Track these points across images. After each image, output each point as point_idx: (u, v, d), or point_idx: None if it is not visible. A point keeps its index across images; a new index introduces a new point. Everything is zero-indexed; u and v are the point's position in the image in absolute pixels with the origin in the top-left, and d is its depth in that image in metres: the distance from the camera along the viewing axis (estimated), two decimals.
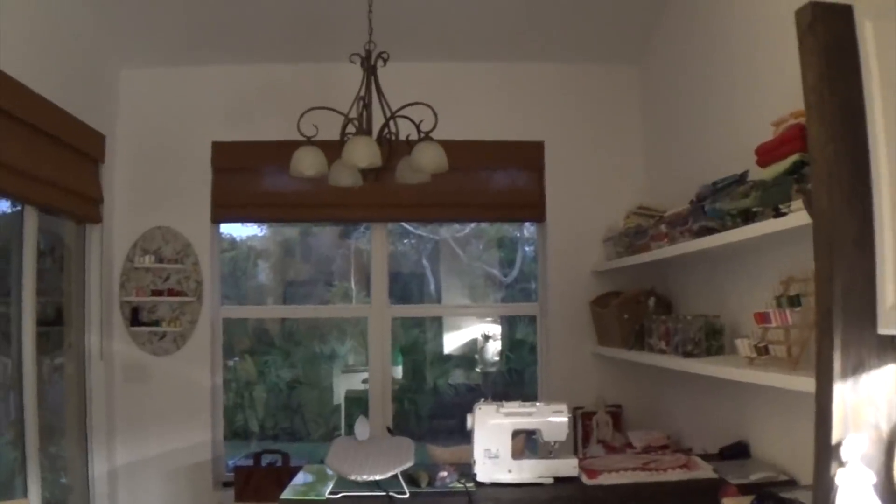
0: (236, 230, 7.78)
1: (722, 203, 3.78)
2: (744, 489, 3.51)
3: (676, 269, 5.26)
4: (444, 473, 3.83)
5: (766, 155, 3.44)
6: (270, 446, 5.91)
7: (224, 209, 6.06)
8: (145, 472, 5.83)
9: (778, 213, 3.14)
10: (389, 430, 5.29)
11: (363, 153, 3.96)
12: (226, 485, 5.88)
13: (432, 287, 8.07)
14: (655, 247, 4.77)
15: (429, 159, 4.13)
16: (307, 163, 4.17)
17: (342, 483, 3.76)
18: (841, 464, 2.38)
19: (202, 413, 5.91)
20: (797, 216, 2.95)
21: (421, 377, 8.26)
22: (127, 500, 5.81)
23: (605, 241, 5.81)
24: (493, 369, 8.17)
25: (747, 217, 3.52)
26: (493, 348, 8.09)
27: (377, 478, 3.62)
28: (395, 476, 3.69)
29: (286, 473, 4.69)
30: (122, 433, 5.82)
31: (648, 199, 5.60)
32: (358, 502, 3.65)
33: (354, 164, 4.03)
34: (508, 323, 7.85)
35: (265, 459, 5.78)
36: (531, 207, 6.12)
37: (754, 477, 3.69)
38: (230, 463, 5.90)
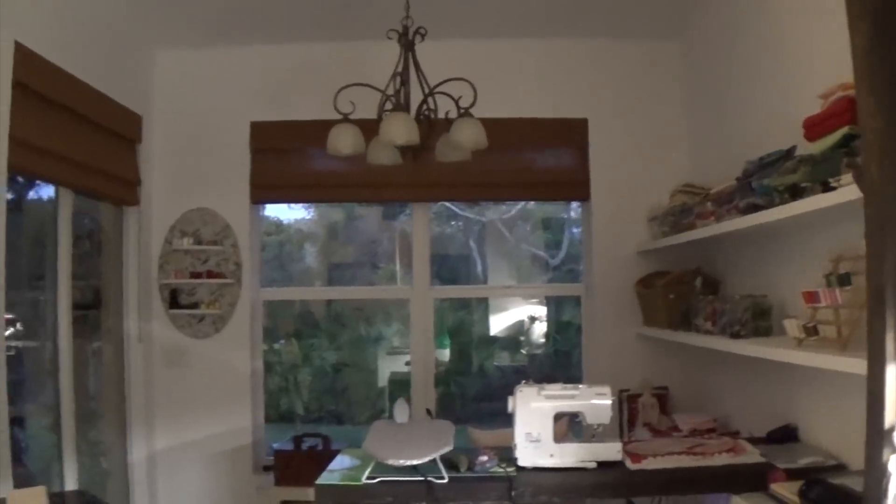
0: (283, 213, 7.84)
1: (769, 179, 3.64)
2: (792, 474, 3.42)
3: (723, 249, 5.14)
4: (485, 458, 3.75)
5: (814, 128, 3.30)
6: (314, 430, 5.80)
7: (263, 190, 6.01)
8: (184, 456, 5.83)
9: (827, 188, 3.01)
10: (429, 413, 5.21)
11: (400, 130, 3.86)
12: (266, 469, 5.86)
13: (479, 269, 8.04)
14: (701, 225, 4.63)
15: (468, 136, 4.03)
16: (344, 141, 4.09)
17: (380, 468, 3.70)
18: (894, 450, 2.27)
19: (242, 397, 5.90)
20: (847, 191, 2.82)
21: (467, 359, 8.20)
22: (166, 485, 5.81)
23: (651, 221, 5.70)
24: (538, 351, 8.14)
25: (795, 193, 3.37)
26: (539, 330, 8.04)
27: (414, 462, 3.55)
28: (434, 460, 3.62)
29: (327, 457, 4.61)
30: (161, 417, 5.83)
31: (693, 177, 5.48)
32: (396, 487, 3.60)
33: (391, 141, 3.93)
34: (555, 304, 7.78)
35: (306, 443, 5.73)
36: (575, 186, 6.01)
37: (803, 462, 3.57)
38: (273, 446, 5.85)
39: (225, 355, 5.86)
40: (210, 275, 5.85)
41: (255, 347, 6.03)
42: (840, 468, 3.50)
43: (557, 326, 7.84)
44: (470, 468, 3.73)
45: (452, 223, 8.05)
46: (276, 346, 7.77)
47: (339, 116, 4.07)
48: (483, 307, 8.20)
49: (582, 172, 6.00)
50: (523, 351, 8.17)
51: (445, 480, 3.58)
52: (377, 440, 3.81)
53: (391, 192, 6.04)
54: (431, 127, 4.25)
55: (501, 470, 3.70)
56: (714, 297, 4.65)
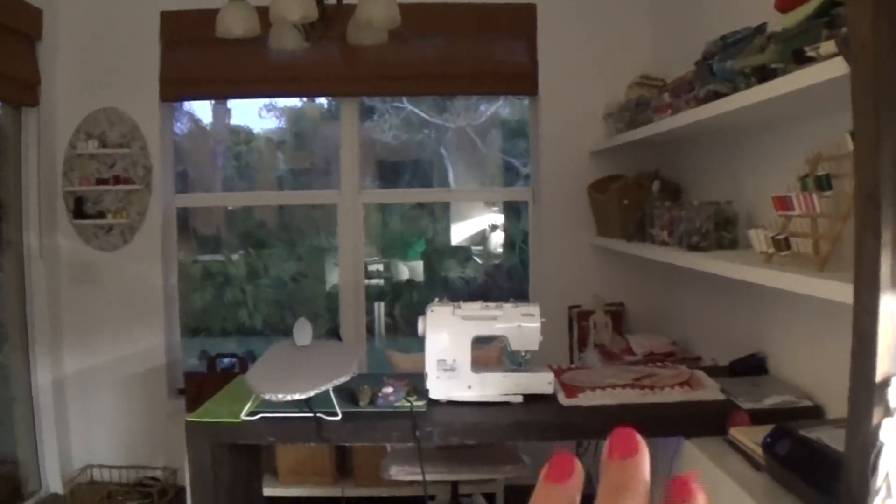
0: (254, 122, 7.60)
1: (732, 61, 3.02)
2: (757, 416, 2.89)
3: (685, 149, 4.63)
4: (389, 389, 3.17)
5: None
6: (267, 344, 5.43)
7: (174, 86, 5.44)
8: (95, 380, 5.44)
9: (802, 60, 2.34)
10: (338, 336, 4.65)
11: (293, 4, 3.31)
12: (181, 392, 5.46)
13: (450, 177, 7.63)
14: (657, 120, 4.03)
15: (375, 11, 3.51)
16: (234, 20, 3.61)
17: (266, 401, 3.07)
18: (888, 411, 1.68)
19: (155, 314, 5.48)
20: (829, 66, 2.15)
21: (430, 270, 7.95)
22: (76, 412, 5.44)
23: (606, 118, 5.14)
24: (498, 262, 7.88)
25: (765, 76, 2.73)
26: (499, 239, 7.76)
27: (296, 397, 2.92)
28: (327, 392, 3.00)
29: None
30: (69, 339, 5.43)
31: (654, 68, 4.94)
32: (279, 425, 3.06)
33: (284, 17, 3.38)
34: (525, 213, 7.25)
35: (220, 364, 5.34)
36: (522, 79, 5.40)
37: (769, 401, 3.04)
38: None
39: (135, 269, 5.42)
40: (117, 180, 5.35)
41: (169, 259, 5.57)
42: (814, 412, 3.01)
43: (524, 236, 7.37)
44: (372, 401, 3.17)
45: (424, 131, 7.66)
46: (235, 257, 7.52)
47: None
48: (446, 216, 7.91)
49: (529, 64, 5.39)
50: (479, 260, 7.90)
51: (338, 417, 3.00)
52: (264, 369, 3.21)
53: (313, 85, 5.58)
54: (340, 3, 3.70)
55: (408, 404, 3.13)
56: (672, 203, 4.09)
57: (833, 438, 2.24)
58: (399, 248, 7.77)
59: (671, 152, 4.81)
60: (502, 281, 7.64)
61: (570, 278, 5.34)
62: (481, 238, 7.80)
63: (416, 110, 7.30)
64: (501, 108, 7.27)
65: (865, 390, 1.74)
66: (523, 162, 7.19)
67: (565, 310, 5.20)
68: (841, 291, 2.08)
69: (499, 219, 7.62)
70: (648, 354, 4.39)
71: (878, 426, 1.70)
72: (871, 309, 1.72)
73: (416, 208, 7.73)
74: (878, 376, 1.71)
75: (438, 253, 7.93)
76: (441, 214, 7.91)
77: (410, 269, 7.74)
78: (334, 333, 5.68)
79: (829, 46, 2.14)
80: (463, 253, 7.91)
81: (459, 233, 7.86)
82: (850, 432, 1.82)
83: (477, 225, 7.82)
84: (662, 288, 5.08)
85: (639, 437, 0.53)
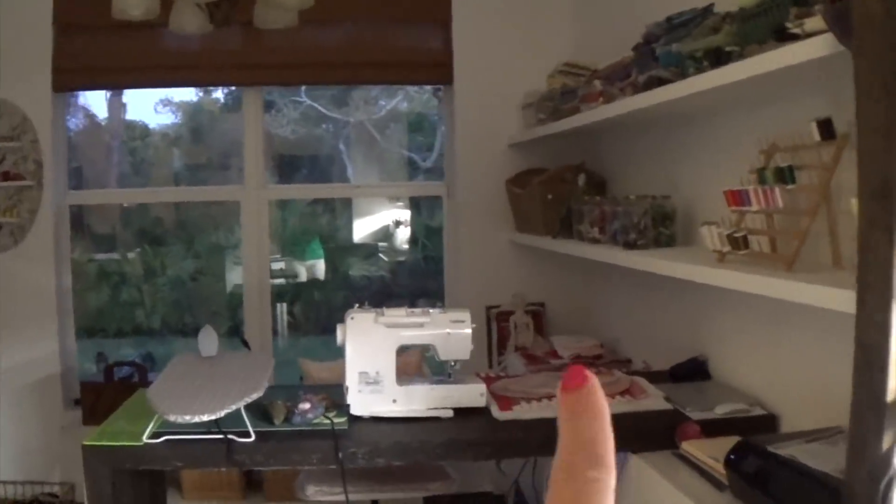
0: (149, 118, 7.33)
1: (679, 44, 2.79)
2: (708, 427, 2.69)
3: (613, 140, 4.44)
4: (307, 405, 2.88)
5: None
6: (168, 346, 5.17)
7: (68, 75, 5.09)
8: None
9: (783, 37, 2.10)
10: (245, 344, 4.37)
11: None
12: (77, 402, 5.17)
13: (349, 172, 7.57)
14: (586, 109, 3.79)
15: None
16: None
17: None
18: None
19: (48, 319, 5.13)
20: (819, 43, 1.92)
21: (332, 267, 7.82)
22: None
23: (525, 108, 4.92)
24: (403, 258, 7.79)
25: (718, 60, 2.51)
26: (404, 235, 7.66)
27: (205, 418, 2.62)
28: (238, 409, 2.72)
29: None
30: None
31: (578, 55, 4.72)
32: (186, 448, 2.75)
33: None
34: (427, 208, 7.31)
35: (118, 373, 5.08)
36: (435, 67, 5.18)
37: (721, 410, 2.84)
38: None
39: (27, 271, 5.11)
40: (6, 177, 5.05)
41: (62, 260, 5.24)
42: (769, 421, 2.82)
43: (427, 231, 7.45)
44: (287, 419, 2.88)
45: (323, 126, 7.60)
46: (132, 255, 7.26)
47: None
48: (347, 213, 7.79)
49: (443, 51, 5.16)
50: (384, 257, 7.77)
51: (251, 439, 2.71)
52: (167, 385, 2.92)
53: (214, 74, 5.26)
54: None
55: (328, 421, 2.85)
56: (602, 198, 3.89)
57: (810, 455, 2.06)
58: (298, 246, 7.58)
59: (595, 143, 4.64)
60: (406, 278, 7.59)
61: (487, 277, 5.14)
62: (384, 234, 7.68)
63: (315, 105, 7.19)
64: (401, 102, 7.18)
65: (874, 410, 1.52)
66: (423, 157, 7.22)
67: (483, 310, 4.98)
68: (818, 296, 1.88)
69: (404, 214, 7.50)
70: (575, 357, 4.18)
71: (891, 451, 1.48)
72: (881, 318, 1.50)
73: (313, 204, 7.60)
74: (890, 394, 1.49)
75: (341, 250, 7.77)
76: (341, 211, 7.80)
77: (310, 268, 7.56)
78: (235, 333, 5.45)
79: (815, 22, 1.91)
80: (366, 250, 7.78)
81: (362, 229, 7.74)
82: (854, 456, 1.60)
83: (380, 221, 7.71)
84: (586, 286, 4.91)
85: (588, 372, 0.54)
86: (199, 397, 2.74)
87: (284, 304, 7.25)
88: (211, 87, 6.69)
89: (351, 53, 5.13)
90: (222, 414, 2.63)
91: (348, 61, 5.15)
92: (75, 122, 6.29)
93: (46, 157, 5.06)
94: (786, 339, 2.73)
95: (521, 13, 5.16)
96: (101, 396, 4.87)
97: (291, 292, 7.47)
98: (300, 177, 7.30)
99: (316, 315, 7.57)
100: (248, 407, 2.75)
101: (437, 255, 6.47)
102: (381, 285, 7.54)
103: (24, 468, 5.07)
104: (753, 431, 2.56)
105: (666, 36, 2.96)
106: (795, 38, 2.01)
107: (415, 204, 7.28)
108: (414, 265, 7.71)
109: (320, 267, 7.58)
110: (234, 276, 7.17)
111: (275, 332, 6.16)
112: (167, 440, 2.72)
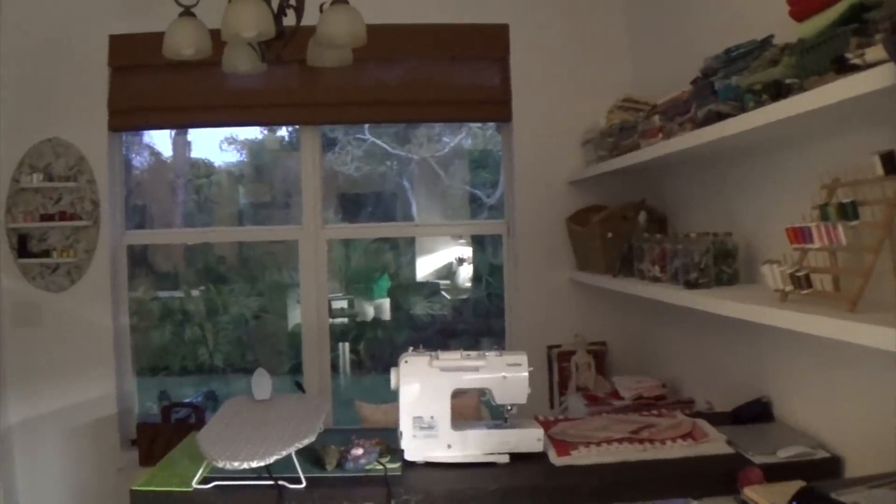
0: (214, 156, 7.45)
1: (738, 77, 2.74)
2: (770, 471, 2.58)
3: (673, 176, 4.38)
4: (360, 451, 2.83)
5: (802, 4, 2.37)
6: (227, 384, 5.16)
7: (123, 115, 5.12)
8: (43, 429, 5.08)
9: (843, 68, 2.03)
10: (300, 387, 4.31)
11: (248, 17, 2.99)
12: (134, 443, 5.16)
13: (413, 209, 7.48)
14: (646, 145, 3.73)
15: (338, 26, 3.14)
16: (183, 37, 3.27)
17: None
18: None
19: (105, 359, 5.11)
20: (881, 73, 1.83)
21: (395, 305, 7.79)
22: (23, 464, 5.10)
23: (584, 145, 4.89)
24: (466, 296, 7.69)
25: (778, 93, 2.43)
26: (467, 273, 7.59)
27: (255, 464, 2.57)
28: (289, 455, 2.67)
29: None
30: (14, 386, 5.08)
31: (635, 90, 4.66)
32: (236, 495, 2.69)
33: (237, 35, 3.04)
34: (493, 245, 7.16)
35: (175, 415, 5.04)
36: (494, 105, 5.16)
37: (783, 454, 2.74)
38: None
39: (83, 310, 5.09)
40: (63, 216, 5.05)
41: (119, 300, 5.23)
42: (833, 464, 2.74)
43: (490, 269, 7.32)
44: (340, 465, 2.83)
45: (387, 163, 7.56)
46: (195, 293, 7.28)
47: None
48: (411, 250, 7.75)
49: (502, 88, 5.14)
50: (447, 295, 7.72)
51: (302, 485, 2.66)
52: (218, 430, 2.88)
53: (271, 113, 5.23)
54: (299, 21, 3.38)
55: (381, 467, 2.80)
56: (663, 236, 3.82)
57: (874, 503, 1.98)
58: (363, 284, 7.57)
59: (655, 180, 4.57)
60: (470, 316, 7.52)
61: (548, 316, 5.08)
62: (447, 272, 7.65)
63: (378, 141, 7.15)
64: (464, 139, 7.14)
65: None
66: (487, 193, 7.15)
67: (544, 350, 4.92)
68: (885, 337, 1.80)
69: (467, 251, 7.47)
70: (637, 398, 4.10)
71: None
72: None
73: (378, 241, 7.56)
74: None
75: (403, 288, 7.74)
76: (405, 248, 7.76)
77: (377, 307, 7.55)
78: (297, 371, 5.43)
79: (876, 52, 1.84)
80: (429, 288, 7.74)
81: (425, 267, 7.71)
82: None
83: (443, 258, 7.67)
84: (647, 326, 4.81)
85: None
86: (250, 442, 2.71)
87: (347, 344, 7.25)
88: (273, 126, 6.70)
89: (407, 92, 5.12)
90: (272, 460, 2.60)
91: (405, 99, 5.14)
92: (140, 161, 6.36)
93: (103, 196, 5.08)
94: (850, 379, 2.65)
95: (577, 49, 5.15)
96: (157, 437, 4.87)
97: (355, 331, 7.45)
98: (365, 214, 7.26)
99: (379, 353, 7.49)
100: (300, 452, 2.72)
101: (501, 293, 6.42)
102: (443, 324, 7.48)
103: None
104: (817, 475, 2.50)
105: (724, 69, 2.90)
106: (856, 68, 1.94)
107: (478, 241, 7.23)
108: (477, 303, 7.61)
109: (386, 306, 7.56)
110: (297, 315, 7.16)
111: (337, 370, 6.13)
112: (217, 486, 2.68)
